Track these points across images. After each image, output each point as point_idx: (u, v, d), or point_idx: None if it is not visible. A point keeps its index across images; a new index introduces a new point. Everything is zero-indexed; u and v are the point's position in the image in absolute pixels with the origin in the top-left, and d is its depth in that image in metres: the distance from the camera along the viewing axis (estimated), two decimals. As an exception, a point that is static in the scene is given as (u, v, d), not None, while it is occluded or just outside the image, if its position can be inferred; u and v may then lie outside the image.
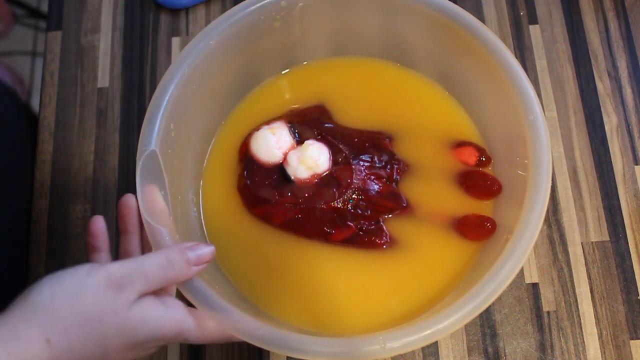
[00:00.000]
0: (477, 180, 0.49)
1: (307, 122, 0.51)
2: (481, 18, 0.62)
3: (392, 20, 0.50)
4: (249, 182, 0.49)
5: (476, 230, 0.47)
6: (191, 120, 0.49)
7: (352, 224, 0.47)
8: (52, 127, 0.61)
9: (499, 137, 0.49)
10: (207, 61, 0.47)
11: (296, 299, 0.47)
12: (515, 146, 0.44)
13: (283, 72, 0.55)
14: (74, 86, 0.63)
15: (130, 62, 0.63)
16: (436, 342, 0.52)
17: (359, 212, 0.47)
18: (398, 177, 0.49)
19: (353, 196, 0.47)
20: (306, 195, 0.48)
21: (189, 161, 0.50)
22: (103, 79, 0.63)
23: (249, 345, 0.53)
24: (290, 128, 0.50)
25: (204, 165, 0.52)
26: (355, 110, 0.53)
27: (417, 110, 0.53)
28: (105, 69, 0.63)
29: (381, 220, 0.48)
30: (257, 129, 0.51)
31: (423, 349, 0.52)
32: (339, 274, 0.47)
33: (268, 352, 0.53)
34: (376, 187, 0.48)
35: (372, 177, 0.48)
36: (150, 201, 0.41)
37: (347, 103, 0.53)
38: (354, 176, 0.48)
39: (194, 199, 0.50)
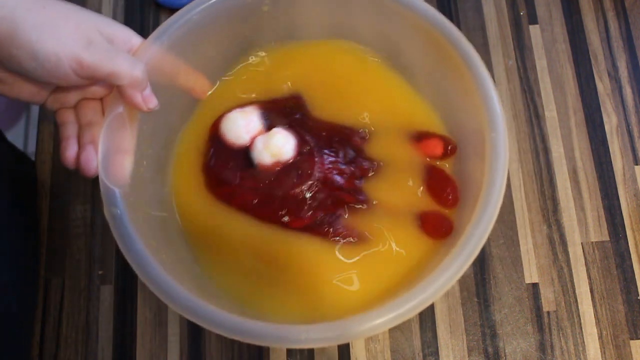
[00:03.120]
0: (438, 182, 0.49)
1: (280, 110, 0.51)
2: (481, 18, 0.62)
3: (384, 19, 0.50)
4: (213, 161, 0.50)
5: (434, 227, 0.47)
6: (169, 91, 0.49)
7: (307, 215, 0.47)
8: (52, 127, 0.61)
9: (464, 135, 0.49)
10: (190, 34, 0.47)
11: (261, 282, 0.47)
12: (477, 144, 0.44)
13: (265, 53, 0.55)
14: (74, 86, 0.63)
15: (130, 62, 0.63)
16: (436, 341, 0.52)
17: (317, 203, 0.48)
18: (363, 175, 0.49)
19: (312, 187, 0.48)
20: (267, 181, 0.48)
21: (161, 130, 0.50)
22: (103, 79, 0.62)
23: (249, 345, 0.53)
24: (261, 114, 0.50)
25: (178, 138, 0.53)
26: (332, 103, 0.53)
27: (388, 105, 0.53)
28: (105, 69, 0.63)
29: (340, 213, 0.48)
30: (229, 110, 0.51)
31: (423, 349, 0.52)
32: (304, 260, 0.48)
33: (268, 351, 0.53)
34: (338, 181, 0.48)
35: (335, 171, 0.48)
36: (109, 160, 0.42)
37: (326, 94, 0.53)
38: (315, 168, 0.48)
39: (160, 168, 0.50)
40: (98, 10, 0.65)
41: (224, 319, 0.38)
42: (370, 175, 0.50)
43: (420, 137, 0.51)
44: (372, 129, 0.51)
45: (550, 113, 0.58)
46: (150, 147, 0.48)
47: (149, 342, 0.54)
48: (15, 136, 1.30)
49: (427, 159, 0.50)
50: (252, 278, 0.48)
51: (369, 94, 0.53)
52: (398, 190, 0.49)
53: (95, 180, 0.58)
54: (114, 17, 0.65)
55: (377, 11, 0.49)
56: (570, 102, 0.59)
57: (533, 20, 0.62)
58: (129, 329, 0.54)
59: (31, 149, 1.29)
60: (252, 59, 0.55)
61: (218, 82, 0.54)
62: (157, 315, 0.54)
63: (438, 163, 0.50)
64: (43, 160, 0.60)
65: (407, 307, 0.38)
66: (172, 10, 0.65)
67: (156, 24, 0.64)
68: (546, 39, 0.61)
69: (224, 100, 0.53)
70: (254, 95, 0.53)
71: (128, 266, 0.56)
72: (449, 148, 0.49)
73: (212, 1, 0.47)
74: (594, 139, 0.58)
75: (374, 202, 0.49)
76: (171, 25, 0.46)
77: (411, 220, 0.48)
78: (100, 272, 0.56)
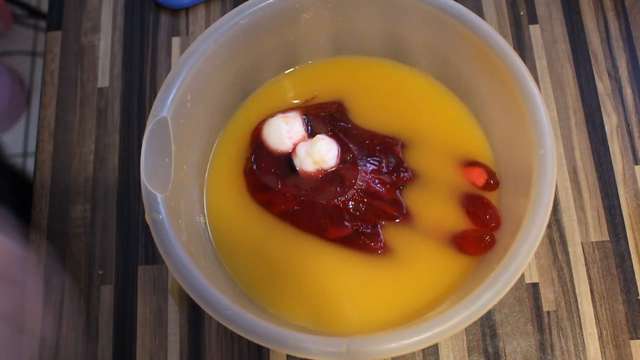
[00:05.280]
0: (479, 208, 0.49)
1: (322, 117, 0.51)
2: (481, 18, 0.62)
3: (430, 32, 0.49)
4: (254, 166, 0.50)
5: (475, 243, 0.47)
6: (210, 95, 0.48)
7: (348, 225, 0.47)
8: (52, 127, 0.61)
9: (510, 163, 0.48)
10: (235, 39, 0.47)
11: (289, 291, 0.47)
12: (523, 177, 0.44)
13: (308, 62, 0.55)
14: (74, 86, 0.63)
15: (130, 62, 0.63)
16: (436, 342, 0.52)
17: (358, 213, 0.47)
18: (402, 185, 0.49)
19: (355, 197, 0.47)
20: (309, 188, 0.48)
21: (201, 135, 0.50)
22: (103, 79, 0.63)
23: (249, 344, 0.53)
24: (304, 120, 0.50)
25: (216, 142, 0.52)
26: (373, 112, 0.52)
27: (434, 121, 0.52)
28: (105, 69, 0.63)
29: (379, 225, 0.48)
30: (272, 115, 0.51)
31: (423, 349, 0.52)
32: (334, 273, 0.47)
33: (268, 351, 0.53)
34: (379, 191, 0.48)
35: (377, 181, 0.48)
36: (152, 167, 0.42)
37: (367, 103, 0.53)
38: (358, 177, 0.48)
39: (199, 173, 0.50)
40: (98, 10, 0.65)
41: (265, 329, 0.38)
42: (410, 186, 0.49)
43: (465, 163, 0.50)
44: (417, 142, 0.51)
45: (550, 113, 0.58)
46: (191, 151, 0.48)
47: (149, 342, 0.54)
48: (15, 136, 1.30)
49: (469, 184, 0.50)
50: (280, 286, 0.48)
51: (418, 109, 0.53)
52: (436, 207, 0.49)
53: (94, 181, 0.59)
54: (114, 18, 0.65)
55: (436, 31, 0.48)
56: (570, 102, 0.59)
57: (533, 20, 0.62)
58: (129, 329, 0.54)
59: (31, 149, 1.29)
60: (295, 68, 0.55)
61: (258, 88, 0.54)
62: (157, 315, 0.54)
63: (478, 192, 0.50)
64: (43, 160, 0.60)
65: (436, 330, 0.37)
66: (172, 10, 0.65)
67: (156, 24, 0.64)
68: (546, 39, 0.61)
69: (264, 104, 0.53)
70: (296, 101, 0.53)
71: (128, 266, 0.56)
72: (491, 182, 0.49)
73: (257, 7, 0.47)
74: (594, 139, 0.58)
75: (412, 216, 0.49)
76: (217, 29, 0.46)
77: (447, 238, 0.48)
78: (100, 272, 0.56)
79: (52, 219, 0.58)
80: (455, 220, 0.49)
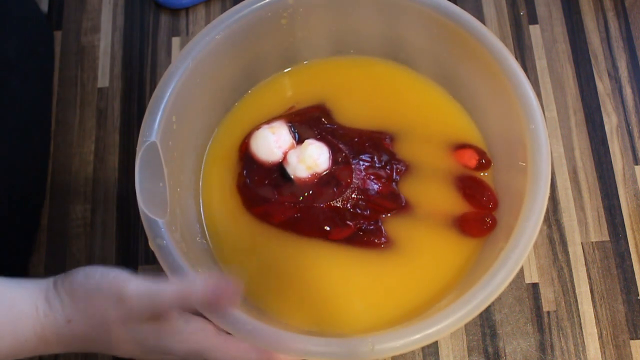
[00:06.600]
0: (475, 190, 0.49)
1: (307, 122, 0.51)
2: (481, 18, 0.62)
3: (395, 21, 0.49)
4: (248, 181, 0.49)
5: (477, 225, 0.47)
6: (193, 114, 0.48)
7: (351, 224, 0.47)
8: (52, 127, 0.61)
9: (500, 141, 0.49)
10: (212, 55, 0.47)
11: (296, 298, 0.47)
12: (515, 152, 0.44)
13: (285, 71, 0.55)
14: (74, 86, 0.63)
15: (130, 62, 0.63)
16: (436, 341, 0.52)
17: (358, 211, 0.47)
18: (397, 177, 0.49)
19: (352, 196, 0.47)
20: (306, 194, 0.48)
21: (189, 155, 0.50)
22: (103, 79, 0.63)
23: (249, 345, 0.53)
24: (290, 127, 0.50)
25: (204, 160, 0.52)
26: (356, 110, 0.52)
27: (418, 110, 0.52)
28: (105, 69, 0.63)
29: (380, 220, 0.48)
30: (257, 127, 0.51)
31: (423, 348, 0.52)
32: (339, 274, 0.47)
33: (268, 352, 0.53)
34: (375, 187, 0.48)
35: (372, 176, 0.48)
36: (148, 193, 0.41)
37: (348, 102, 0.53)
38: (353, 176, 0.48)
39: (193, 194, 0.50)
40: (98, 10, 0.65)
41: (283, 338, 0.38)
42: (405, 177, 0.49)
43: (455, 147, 0.50)
44: (404, 133, 0.51)
45: (550, 113, 0.58)
46: (182, 172, 0.48)
47: (149, 342, 0.53)
48: (15, 136, 1.30)
49: (461, 167, 0.50)
50: (289, 294, 0.47)
51: (400, 100, 0.53)
52: (434, 193, 0.49)
53: (94, 181, 0.59)
54: (114, 18, 0.65)
55: (388, 16, 0.49)
56: (570, 102, 0.59)
57: (533, 20, 0.62)
58: (129, 329, 0.54)
59: (31, 149, 1.29)
60: (268, 79, 0.55)
61: (237, 102, 0.54)
62: (157, 315, 0.54)
63: (472, 173, 0.50)
64: (43, 160, 0.60)
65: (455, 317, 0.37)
66: (172, 10, 0.65)
67: (156, 24, 0.64)
68: (546, 39, 0.61)
69: (246, 117, 0.53)
70: (276, 110, 0.53)
71: (128, 266, 0.56)
72: (483, 161, 0.49)
73: (233, 18, 0.47)
74: (594, 139, 0.58)
75: (412, 206, 0.48)
76: (194, 47, 0.46)
77: (449, 223, 0.48)
78: (100, 272, 0.56)
79: (52, 219, 0.58)
80: (453, 203, 0.49)
